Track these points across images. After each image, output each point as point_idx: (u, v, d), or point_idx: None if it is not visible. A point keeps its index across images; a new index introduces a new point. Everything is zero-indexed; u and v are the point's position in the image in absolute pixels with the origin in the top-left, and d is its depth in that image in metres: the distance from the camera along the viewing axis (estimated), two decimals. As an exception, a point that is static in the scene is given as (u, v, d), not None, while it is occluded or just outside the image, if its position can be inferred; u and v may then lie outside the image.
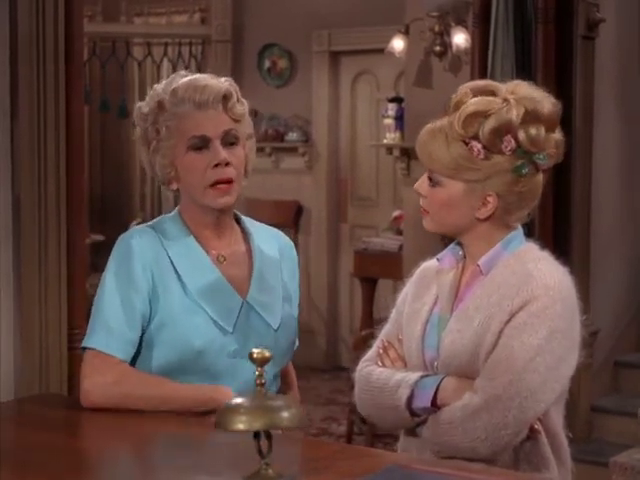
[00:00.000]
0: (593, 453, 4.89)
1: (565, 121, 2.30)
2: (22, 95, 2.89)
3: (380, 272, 7.07)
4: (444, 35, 6.01)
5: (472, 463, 2.08)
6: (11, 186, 2.89)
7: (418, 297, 2.32)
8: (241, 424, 1.68)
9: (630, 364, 5.52)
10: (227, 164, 2.30)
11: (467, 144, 2.18)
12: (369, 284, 7.19)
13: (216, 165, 2.30)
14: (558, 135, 2.24)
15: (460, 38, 5.86)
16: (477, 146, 2.17)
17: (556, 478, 2.19)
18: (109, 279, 2.31)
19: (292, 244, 2.54)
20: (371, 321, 6.64)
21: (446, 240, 2.43)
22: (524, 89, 2.22)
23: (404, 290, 2.39)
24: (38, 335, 2.92)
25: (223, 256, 2.38)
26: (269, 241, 2.46)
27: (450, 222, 2.25)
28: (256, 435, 1.72)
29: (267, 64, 8.32)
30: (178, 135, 2.32)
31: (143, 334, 2.30)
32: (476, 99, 2.20)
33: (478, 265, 2.23)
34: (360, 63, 8.03)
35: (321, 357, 8.05)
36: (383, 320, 2.42)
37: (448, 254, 2.31)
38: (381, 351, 2.32)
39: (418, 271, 2.38)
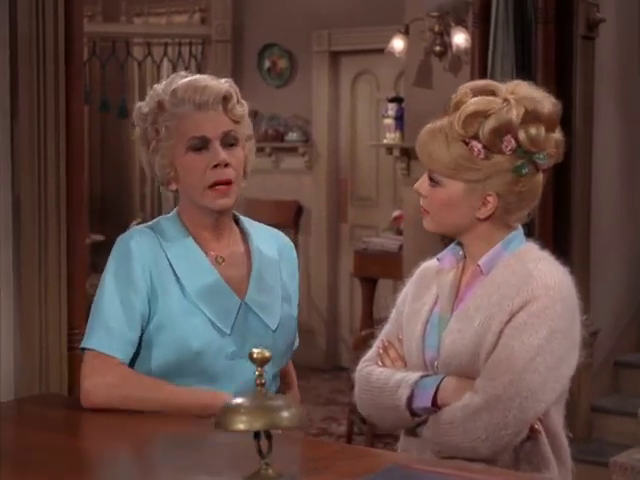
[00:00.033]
0: (593, 453, 4.89)
1: (565, 121, 2.30)
2: (22, 95, 2.89)
3: (380, 272, 7.06)
4: (444, 35, 6.01)
5: (472, 463, 2.08)
6: (11, 186, 2.89)
7: (418, 297, 2.32)
8: (241, 424, 1.68)
9: (630, 364, 5.52)
10: (226, 165, 2.30)
11: (467, 144, 2.18)
12: (369, 284, 7.18)
13: (215, 166, 2.30)
14: (558, 135, 2.24)
15: (460, 38, 5.86)
16: (477, 146, 2.17)
17: (556, 478, 2.19)
18: (108, 280, 2.31)
19: (291, 244, 2.54)
20: (371, 321, 6.64)
21: (446, 240, 2.43)
22: (524, 89, 2.22)
23: (404, 290, 2.39)
24: (38, 335, 2.92)
25: (222, 257, 2.38)
26: (268, 241, 2.46)
27: (450, 222, 2.24)
28: (256, 435, 1.72)
29: (267, 64, 8.32)
30: (178, 135, 2.32)
31: (142, 334, 2.30)
32: (476, 99, 2.19)
33: (478, 265, 2.23)
34: (360, 63, 8.02)
35: (321, 357, 8.05)
36: (383, 320, 2.42)
37: (448, 254, 2.31)
38: (381, 351, 2.32)
39: (418, 271, 2.38)
